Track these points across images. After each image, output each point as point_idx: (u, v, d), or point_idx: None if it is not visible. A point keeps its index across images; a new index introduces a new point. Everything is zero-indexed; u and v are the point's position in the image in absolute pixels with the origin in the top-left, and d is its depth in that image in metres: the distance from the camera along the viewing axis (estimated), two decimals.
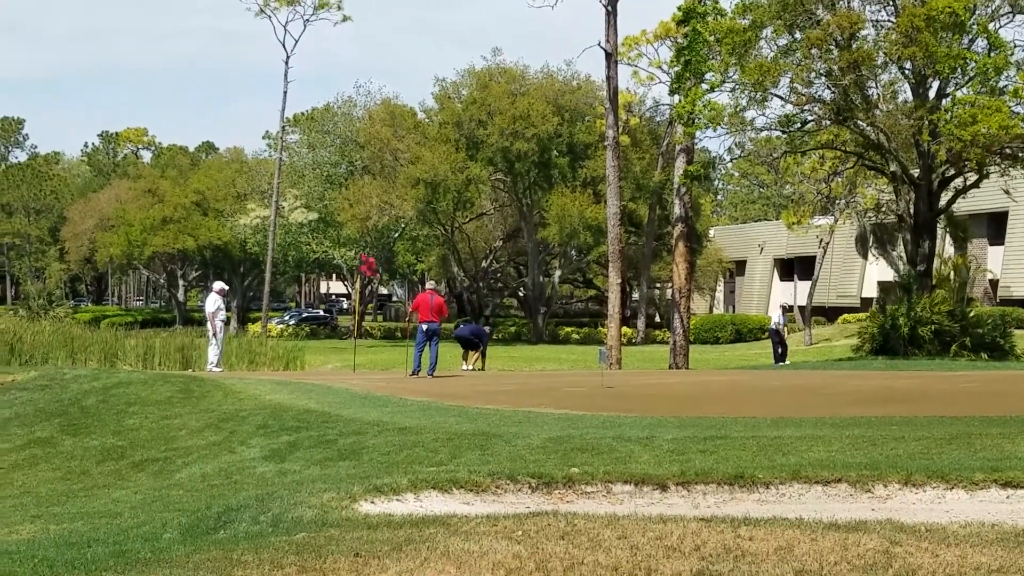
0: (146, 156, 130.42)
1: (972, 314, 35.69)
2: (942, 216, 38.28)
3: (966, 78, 33.82)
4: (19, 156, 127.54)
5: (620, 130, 40.33)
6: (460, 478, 10.19)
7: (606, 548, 7.15)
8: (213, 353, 26.80)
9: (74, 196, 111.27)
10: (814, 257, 63.15)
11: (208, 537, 8.57)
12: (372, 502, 9.38)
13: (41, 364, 30.26)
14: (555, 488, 10.17)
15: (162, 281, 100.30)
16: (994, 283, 58.11)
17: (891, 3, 35.39)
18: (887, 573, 6.59)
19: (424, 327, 24.02)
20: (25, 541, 9.66)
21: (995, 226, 58.68)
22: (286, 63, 71.67)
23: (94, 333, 40.84)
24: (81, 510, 11.93)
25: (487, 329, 35.84)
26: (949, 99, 34.28)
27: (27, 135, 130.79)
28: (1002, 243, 58.71)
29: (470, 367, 29.11)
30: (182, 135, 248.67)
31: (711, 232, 79.83)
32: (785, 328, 38.96)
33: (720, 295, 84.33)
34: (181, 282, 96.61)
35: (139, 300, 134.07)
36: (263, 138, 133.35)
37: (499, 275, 78.54)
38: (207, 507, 10.20)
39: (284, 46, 72.98)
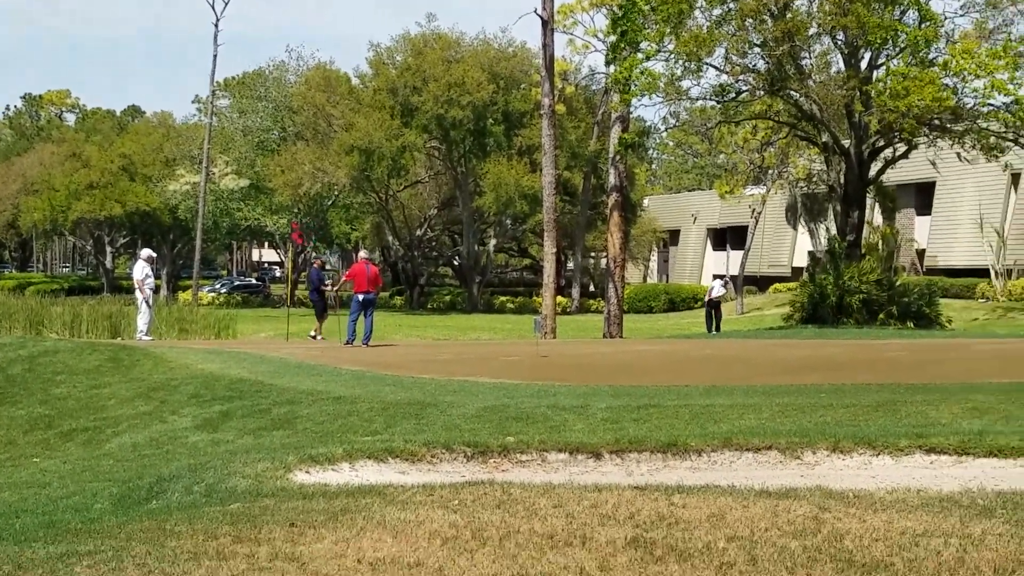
0: (70, 120, 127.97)
1: (899, 283, 36.14)
2: (871, 186, 38.73)
3: (897, 49, 34.16)
4: None
5: (556, 98, 40.25)
6: (395, 447, 10.19)
7: (542, 517, 7.22)
8: (142, 321, 26.47)
9: None
10: (746, 227, 63.64)
11: (140, 508, 8.52)
12: (307, 472, 9.36)
13: None
14: (490, 457, 10.22)
15: (88, 248, 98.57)
16: (921, 253, 58.90)
17: None
18: (816, 538, 6.71)
19: (360, 297, 23.96)
20: None
21: (923, 196, 59.36)
22: (216, 25, 70.50)
23: (18, 300, 40.19)
24: (8, 480, 11.79)
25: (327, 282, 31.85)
26: (883, 70, 34.56)
27: None
28: (929, 213, 59.41)
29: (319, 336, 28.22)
30: (108, 100, 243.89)
31: (645, 202, 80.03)
32: (721, 299, 39.35)
33: (654, 264, 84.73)
34: (108, 249, 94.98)
35: (65, 267, 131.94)
36: (192, 102, 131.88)
37: (434, 244, 78.25)
38: (139, 477, 10.12)
39: (213, 8, 72.20)
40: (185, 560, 6.17)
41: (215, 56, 71.75)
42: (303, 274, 67.09)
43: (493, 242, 72.49)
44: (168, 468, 10.28)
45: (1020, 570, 6.14)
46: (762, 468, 9.84)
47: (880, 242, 37.85)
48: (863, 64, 35.33)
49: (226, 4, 75.33)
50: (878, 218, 53.85)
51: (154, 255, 29.25)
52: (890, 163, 37.37)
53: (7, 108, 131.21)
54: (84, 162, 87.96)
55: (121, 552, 6.36)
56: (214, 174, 74.60)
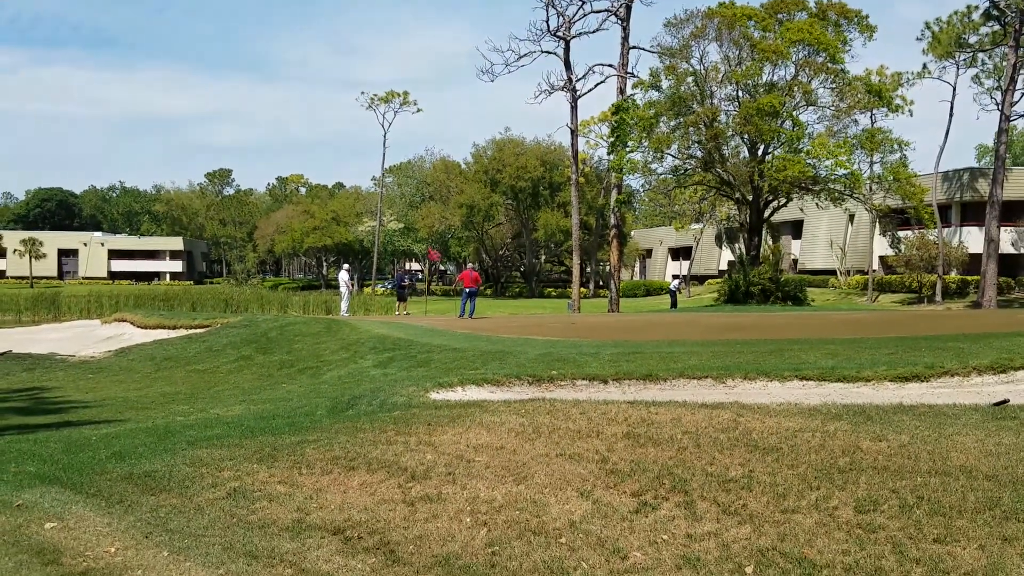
0: (303, 190, 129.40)
1: (783, 279, 35.64)
2: (765, 223, 38.30)
3: (779, 144, 33.84)
4: (229, 191, 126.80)
5: (579, 174, 39.96)
6: (488, 377, 10.16)
7: (573, 419, 7.16)
8: (344, 305, 26.79)
9: (261, 214, 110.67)
10: (691, 247, 62.96)
11: (343, 414, 8.59)
12: (437, 392, 9.38)
13: (243, 312, 30.31)
14: (543, 383, 10.16)
15: (313, 263, 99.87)
16: (795, 261, 58.10)
17: (736, 100, 35.19)
18: (735, 432, 6.59)
19: (467, 290, 23.91)
20: (236, 415, 9.70)
21: (796, 228, 58.56)
22: (384, 136, 71.87)
23: (274, 294, 41.00)
24: (268, 397, 11.96)
25: (407, 280, 30.91)
26: (770, 156, 34.26)
27: (234, 179, 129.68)
28: (800, 238, 58.65)
29: (404, 312, 27.13)
30: (324, 177, 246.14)
31: (632, 233, 79.09)
32: (678, 290, 38.95)
33: (637, 269, 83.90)
34: (324, 263, 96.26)
35: (300, 274, 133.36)
36: (371, 180, 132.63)
37: (509, 259, 78.20)
38: (341, 396, 10.22)
39: (382, 126, 73.41)
40: (367, 444, 6.19)
41: (384, 153, 73.57)
42: (435, 276, 67.33)
43: (543, 257, 72.29)
44: (358, 390, 10.35)
45: (857, 452, 5.97)
46: (702, 389, 9.69)
47: (771, 255, 37.07)
48: (759, 152, 34.94)
49: (390, 124, 75.86)
50: (770, 241, 53.01)
51: (350, 267, 29.55)
52: (776, 209, 36.97)
53: (268, 184, 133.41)
54: (311, 215, 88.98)
55: (332, 440, 6.40)
56: (384, 221, 75.26)
